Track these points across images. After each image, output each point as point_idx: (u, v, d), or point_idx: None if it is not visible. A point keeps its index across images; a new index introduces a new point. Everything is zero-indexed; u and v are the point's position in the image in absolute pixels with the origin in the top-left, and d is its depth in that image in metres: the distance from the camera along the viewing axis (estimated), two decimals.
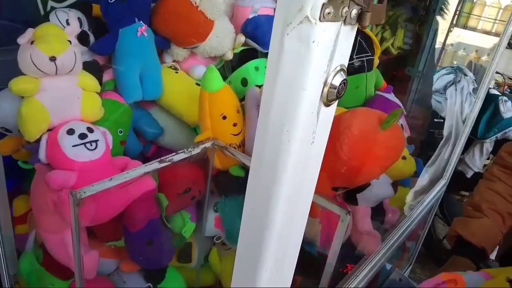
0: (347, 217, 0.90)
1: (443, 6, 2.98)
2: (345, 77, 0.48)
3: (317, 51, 0.43)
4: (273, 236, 0.52)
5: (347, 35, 0.46)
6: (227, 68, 1.31)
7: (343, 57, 0.47)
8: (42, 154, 0.93)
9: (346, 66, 0.49)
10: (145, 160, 1.26)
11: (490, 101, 2.55)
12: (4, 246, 1.20)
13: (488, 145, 2.59)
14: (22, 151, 1.08)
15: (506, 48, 1.51)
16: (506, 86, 3.04)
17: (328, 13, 0.41)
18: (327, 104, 0.48)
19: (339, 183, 0.90)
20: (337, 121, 0.63)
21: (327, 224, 1.03)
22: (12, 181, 1.18)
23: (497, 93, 2.63)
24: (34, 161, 1.00)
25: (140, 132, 1.21)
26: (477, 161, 2.63)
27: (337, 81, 0.47)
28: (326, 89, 0.46)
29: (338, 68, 0.47)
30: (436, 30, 2.95)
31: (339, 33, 0.44)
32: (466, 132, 1.61)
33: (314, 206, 0.68)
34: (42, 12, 1.16)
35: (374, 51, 1.46)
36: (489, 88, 2.50)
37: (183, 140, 1.28)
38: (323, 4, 0.40)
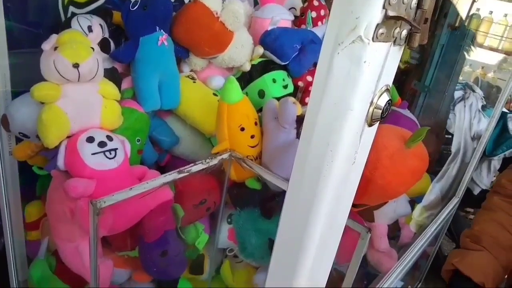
0: (367, 235, 0.89)
1: (450, 22, 2.99)
2: (389, 98, 0.47)
3: (367, 71, 0.42)
4: (308, 255, 0.52)
5: (395, 55, 0.45)
6: (244, 79, 1.30)
7: (389, 77, 0.47)
8: (60, 161, 0.92)
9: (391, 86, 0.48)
10: (159, 168, 1.25)
11: (499, 119, 2.55)
12: (15, 251, 1.19)
13: (496, 162, 2.58)
14: (37, 157, 1.07)
15: None
16: None
17: (381, 33, 0.41)
18: (371, 124, 0.47)
19: (361, 200, 0.89)
20: None
21: (344, 240, 1.01)
22: (25, 187, 1.17)
23: (505, 110, 2.62)
24: (49, 167, 0.99)
25: (156, 141, 1.20)
26: (485, 178, 2.62)
27: (383, 101, 0.46)
28: (371, 109, 0.46)
29: (384, 88, 0.46)
30: (443, 45, 2.95)
31: (388, 53, 0.44)
32: (480, 150, 1.60)
33: None
34: (63, 18, 1.16)
35: None
36: None
37: (198, 149, 1.27)
38: (377, 25, 0.40)
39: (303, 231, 0.50)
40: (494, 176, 2.69)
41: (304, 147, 0.47)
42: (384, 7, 0.39)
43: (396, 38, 0.43)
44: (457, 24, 3.08)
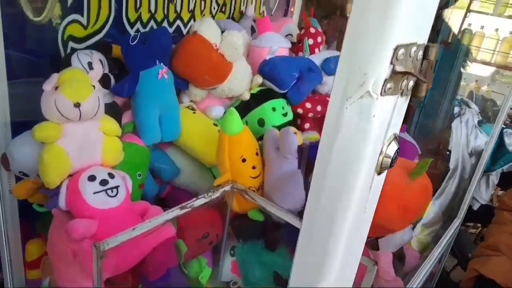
0: (374, 268, 0.88)
1: (443, 38, 3.04)
2: (398, 146, 0.47)
3: (376, 124, 0.42)
4: None
5: (402, 105, 0.46)
6: (243, 108, 1.30)
7: (396, 126, 0.47)
8: (62, 201, 0.91)
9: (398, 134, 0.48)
10: (159, 200, 1.24)
11: None
12: None
13: (494, 177, 2.58)
14: (37, 195, 1.06)
15: None
16: (506, 116, 3.06)
17: (389, 88, 0.41)
18: (380, 172, 0.47)
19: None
20: None
21: None
22: (25, 224, 1.15)
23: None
24: (50, 205, 0.98)
25: (157, 173, 1.19)
26: (483, 193, 2.62)
27: (392, 150, 0.46)
28: (381, 158, 0.46)
29: (392, 137, 0.46)
30: (437, 61, 2.99)
31: (396, 104, 0.44)
32: (481, 170, 1.60)
33: None
34: (62, 53, 1.16)
35: None
36: None
37: (198, 180, 1.27)
38: (385, 80, 0.40)
39: (316, 278, 0.49)
40: (493, 191, 2.68)
41: (314, 197, 0.47)
42: (391, 62, 0.40)
43: (403, 90, 0.43)
44: (449, 40, 3.13)
